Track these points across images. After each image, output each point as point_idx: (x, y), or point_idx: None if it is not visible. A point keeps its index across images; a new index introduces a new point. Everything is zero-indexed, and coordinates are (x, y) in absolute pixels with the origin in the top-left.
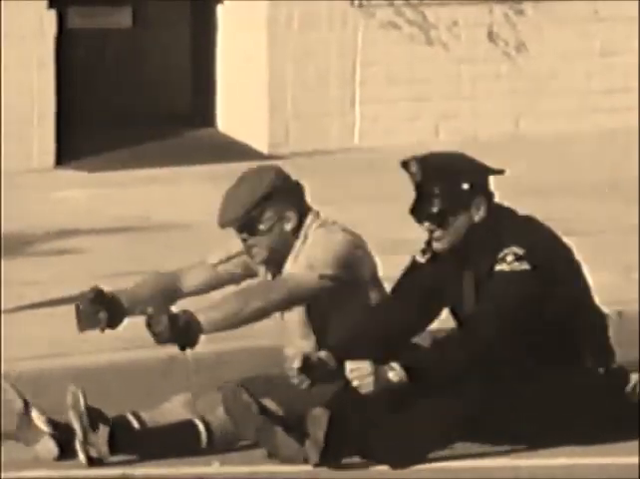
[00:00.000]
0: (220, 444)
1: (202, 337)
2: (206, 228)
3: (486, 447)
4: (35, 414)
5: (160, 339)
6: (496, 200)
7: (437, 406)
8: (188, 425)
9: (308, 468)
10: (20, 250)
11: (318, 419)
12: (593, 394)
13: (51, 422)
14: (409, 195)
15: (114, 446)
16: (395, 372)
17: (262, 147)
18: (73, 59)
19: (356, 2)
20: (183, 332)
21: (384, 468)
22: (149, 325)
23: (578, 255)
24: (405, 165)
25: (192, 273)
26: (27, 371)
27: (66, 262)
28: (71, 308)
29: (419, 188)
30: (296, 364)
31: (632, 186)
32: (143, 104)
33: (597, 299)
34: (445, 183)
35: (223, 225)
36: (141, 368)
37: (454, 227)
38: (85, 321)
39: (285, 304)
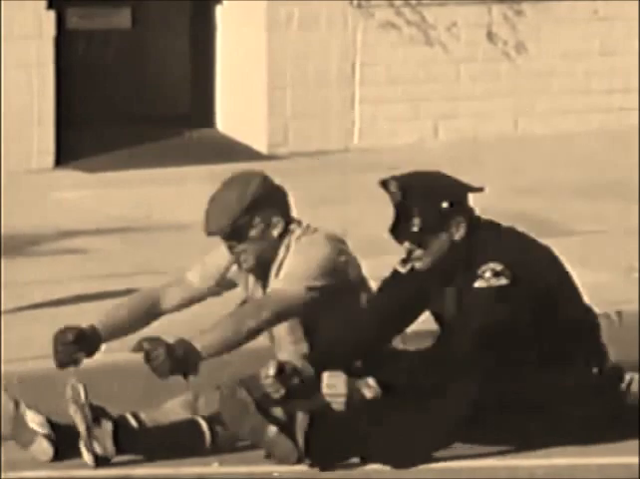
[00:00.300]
0: (225, 444)
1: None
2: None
3: (486, 448)
4: (30, 415)
5: (160, 373)
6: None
7: (435, 406)
8: (192, 424)
9: (307, 468)
10: (20, 251)
11: (299, 424)
12: (589, 394)
13: (49, 423)
14: None
15: (117, 445)
16: (370, 389)
17: (262, 147)
18: (72, 59)
19: (355, 2)
20: (183, 362)
21: (384, 468)
22: (147, 360)
23: (576, 255)
24: (384, 184)
25: (171, 292)
26: (27, 372)
27: (66, 263)
28: (71, 309)
29: (398, 207)
30: (271, 372)
31: (632, 186)
32: (142, 104)
33: (597, 299)
34: (424, 202)
35: (210, 233)
36: (140, 368)
37: (434, 246)
38: (62, 360)
39: (277, 320)
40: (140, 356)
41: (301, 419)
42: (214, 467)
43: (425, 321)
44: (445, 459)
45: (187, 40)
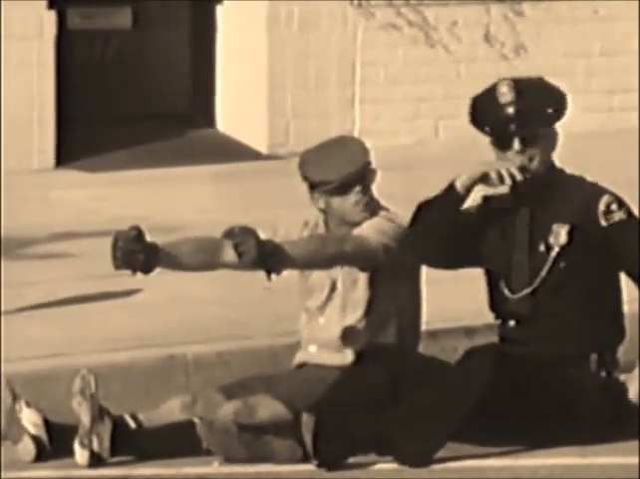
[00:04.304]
0: None
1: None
2: (207, 228)
3: (487, 448)
4: (26, 413)
5: (246, 261)
6: None
7: (438, 398)
8: (189, 425)
9: (308, 468)
10: (20, 251)
11: (306, 425)
12: (593, 394)
13: (46, 423)
14: (408, 194)
15: (114, 446)
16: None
17: (262, 147)
18: (73, 59)
19: (355, 2)
20: (270, 257)
21: (384, 468)
22: (235, 247)
23: None
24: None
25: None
26: (27, 372)
27: (66, 263)
28: (72, 309)
29: (503, 111)
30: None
31: (632, 186)
32: (142, 104)
33: None
34: (535, 102)
35: (348, 176)
36: (140, 368)
37: (542, 146)
38: (121, 260)
39: (353, 259)
40: (140, 357)
41: (307, 420)
42: (215, 467)
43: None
44: (446, 460)
45: (188, 40)
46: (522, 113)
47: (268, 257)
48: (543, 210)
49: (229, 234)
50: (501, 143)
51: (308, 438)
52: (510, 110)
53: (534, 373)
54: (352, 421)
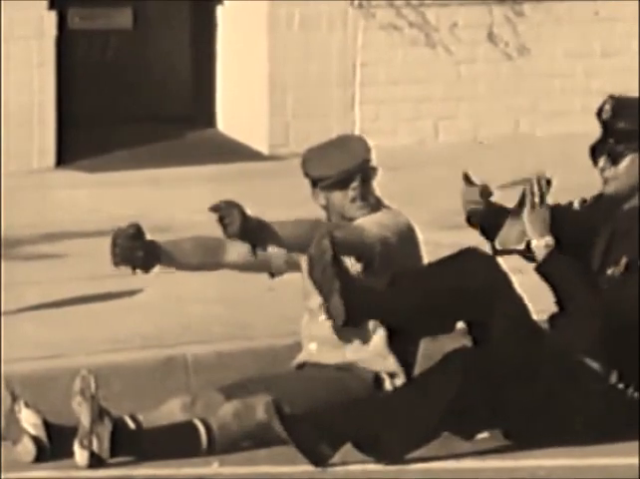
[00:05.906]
0: (221, 445)
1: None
2: (207, 229)
3: (487, 447)
4: (25, 414)
5: (229, 232)
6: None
7: (430, 396)
8: (188, 426)
9: (308, 468)
10: (20, 251)
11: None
12: (594, 395)
13: (45, 424)
14: (407, 195)
15: (113, 447)
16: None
17: (263, 147)
18: (74, 60)
19: (356, 3)
20: (254, 232)
21: (382, 469)
22: (220, 219)
23: None
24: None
25: (237, 246)
26: (27, 373)
27: (66, 263)
28: (72, 310)
29: (605, 126)
30: None
31: None
32: (143, 105)
33: None
34: (631, 121)
35: (346, 171)
36: (141, 369)
37: (625, 168)
38: (121, 257)
39: (344, 247)
40: (140, 357)
41: (277, 428)
42: (214, 468)
43: None
44: (445, 458)
45: (188, 40)
46: (613, 130)
47: (253, 232)
48: (623, 236)
49: (215, 208)
50: (593, 157)
51: (282, 434)
52: (606, 126)
53: (521, 372)
54: (331, 417)
